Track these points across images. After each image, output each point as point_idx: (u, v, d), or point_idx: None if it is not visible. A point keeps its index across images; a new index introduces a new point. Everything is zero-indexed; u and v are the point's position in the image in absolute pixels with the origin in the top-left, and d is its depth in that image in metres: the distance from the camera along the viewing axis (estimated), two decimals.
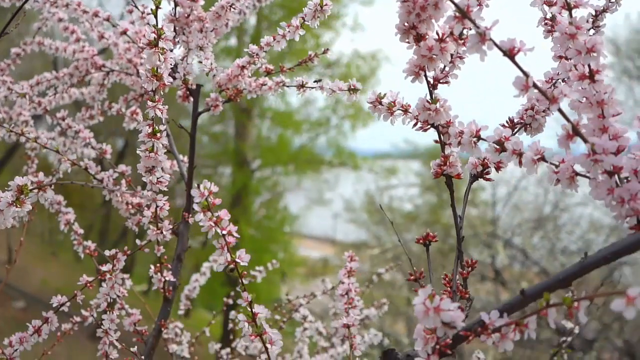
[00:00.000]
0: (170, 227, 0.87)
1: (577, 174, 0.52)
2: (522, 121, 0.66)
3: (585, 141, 0.49)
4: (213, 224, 0.59)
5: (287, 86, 0.92)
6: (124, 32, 1.03)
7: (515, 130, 0.66)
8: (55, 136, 1.16)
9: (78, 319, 1.09)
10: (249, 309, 0.62)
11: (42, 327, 0.87)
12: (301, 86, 0.91)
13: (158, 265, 0.93)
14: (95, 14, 1.07)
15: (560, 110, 0.49)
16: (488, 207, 7.32)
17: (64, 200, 1.09)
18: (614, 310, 0.40)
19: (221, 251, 0.60)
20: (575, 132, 0.49)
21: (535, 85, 0.48)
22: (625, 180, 0.50)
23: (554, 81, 0.66)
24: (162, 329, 0.96)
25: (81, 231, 1.07)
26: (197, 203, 0.59)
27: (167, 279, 0.94)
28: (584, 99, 0.52)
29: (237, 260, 0.60)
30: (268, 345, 0.62)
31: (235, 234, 0.60)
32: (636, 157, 0.51)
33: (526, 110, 0.66)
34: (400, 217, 9.86)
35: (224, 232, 0.59)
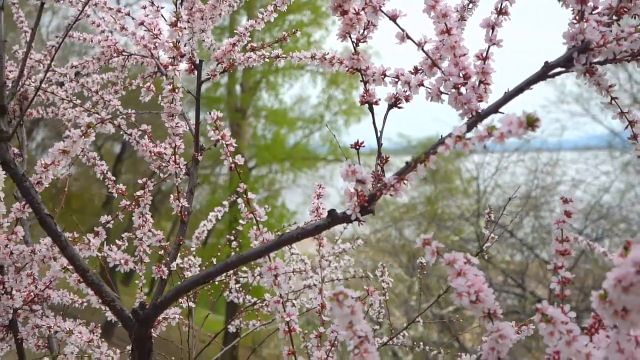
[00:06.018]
0: (185, 162, 1.20)
1: (441, 92, 0.85)
2: (421, 68, 0.98)
3: (440, 69, 0.81)
4: (220, 137, 0.91)
5: (267, 58, 1.24)
6: (142, 23, 1.35)
7: (419, 73, 0.98)
8: (89, 107, 1.48)
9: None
10: (245, 196, 0.94)
11: (95, 240, 1.19)
12: (277, 57, 1.23)
13: (176, 194, 1.25)
14: (118, 10, 1.38)
15: (425, 52, 0.81)
16: (482, 195, 7.69)
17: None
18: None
19: (225, 156, 0.93)
20: (434, 64, 0.82)
21: (408, 36, 0.80)
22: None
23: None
24: (180, 243, 1.27)
25: (113, 178, 1.39)
26: (209, 124, 0.91)
27: (183, 205, 1.26)
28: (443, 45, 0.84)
29: (236, 160, 0.93)
30: (258, 218, 0.94)
31: (234, 144, 0.92)
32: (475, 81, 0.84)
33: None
34: (396, 209, 10.18)
35: (227, 142, 0.91)
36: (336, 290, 0.65)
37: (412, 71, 0.98)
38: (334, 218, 0.87)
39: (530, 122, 0.58)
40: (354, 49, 0.91)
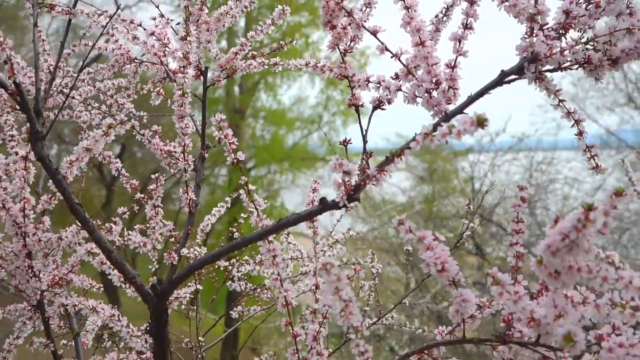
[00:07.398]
0: (194, 159, 1.33)
1: (416, 96, 0.98)
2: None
3: (413, 76, 0.95)
4: (223, 137, 1.05)
5: (267, 65, 1.38)
6: (152, 33, 1.49)
7: (399, 80, 1.12)
8: (105, 109, 1.62)
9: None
10: (246, 187, 1.08)
11: (116, 227, 1.32)
12: (275, 64, 1.37)
13: (185, 188, 1.39)
14: (131, 21, 1.52)
15: (401, 62, 0.95)
16: (476, 194, 7.83)
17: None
18: None
19: (228, 153, 1.06)
20: (409, 72, 0.95)
21: (386, 48, 0.94)
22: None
23: None
24: (189, 233, 1.41)
25: (127, 174, 1.52)
26: (213, 125, 1.04)
27: (191, 198, 1.39)
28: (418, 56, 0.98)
29: (238, 157, 1.06)
30: (258, 207, 1.08)
31: (235, 142, 1.05)
32: (445, 86, 0.97)
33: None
34: (393, 208, 10.29)
35: (230, 140, 1.05)
36: (324, 261, 0.78)
37: (393, 77, 1.11)
38: (325, 205, 1.00)
39: (480, 122, 0.72)
40: (342, 58, 1.04)
